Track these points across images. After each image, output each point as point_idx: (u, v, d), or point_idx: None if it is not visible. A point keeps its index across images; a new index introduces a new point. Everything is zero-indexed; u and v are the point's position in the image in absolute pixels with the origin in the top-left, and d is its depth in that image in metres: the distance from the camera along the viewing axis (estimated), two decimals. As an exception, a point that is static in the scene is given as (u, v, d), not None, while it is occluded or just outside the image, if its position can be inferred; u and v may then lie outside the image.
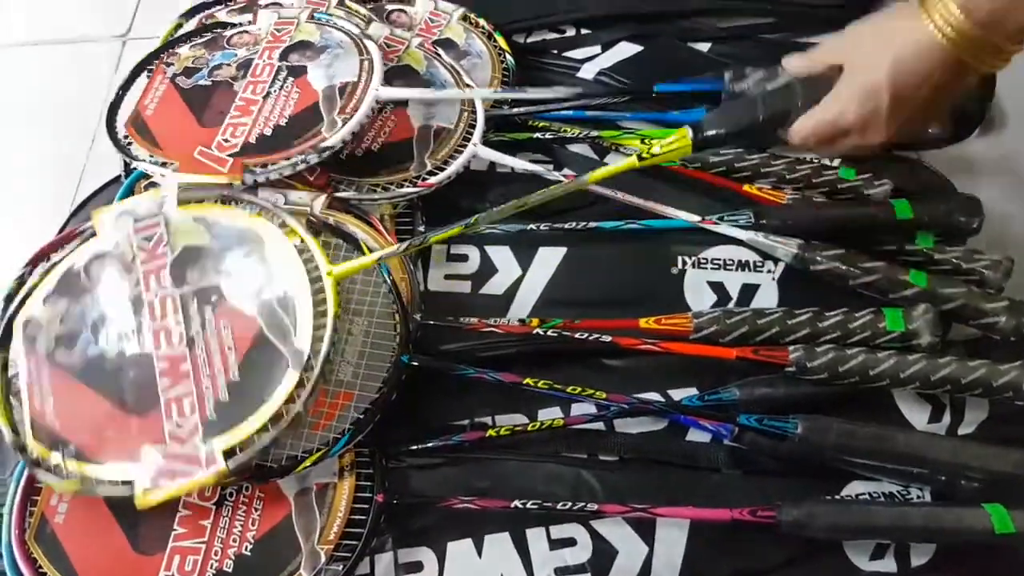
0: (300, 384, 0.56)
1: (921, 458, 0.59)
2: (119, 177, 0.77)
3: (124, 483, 0.54)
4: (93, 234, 0.65)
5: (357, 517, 0.57)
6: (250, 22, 0.83)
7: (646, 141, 0.79)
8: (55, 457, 0.55)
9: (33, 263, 0.66)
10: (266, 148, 0.71)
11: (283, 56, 0.78)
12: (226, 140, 0.71)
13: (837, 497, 0.61)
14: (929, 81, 0.55)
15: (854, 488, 0.62)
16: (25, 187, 0.87)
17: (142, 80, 0.79)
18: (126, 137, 0.73)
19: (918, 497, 0.61)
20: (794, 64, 0.64)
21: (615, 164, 0.64)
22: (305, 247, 0.62)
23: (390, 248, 0.64)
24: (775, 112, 0.62)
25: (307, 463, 0.56)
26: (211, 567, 0.55)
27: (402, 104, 0.79)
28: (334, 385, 0.61)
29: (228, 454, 0.55)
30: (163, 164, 0.70)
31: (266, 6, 0.88)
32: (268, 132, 0.72)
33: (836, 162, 0.78)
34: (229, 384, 0.57)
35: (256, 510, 0.57)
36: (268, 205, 0.66)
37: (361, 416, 0.59)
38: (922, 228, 0.71)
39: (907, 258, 0.71)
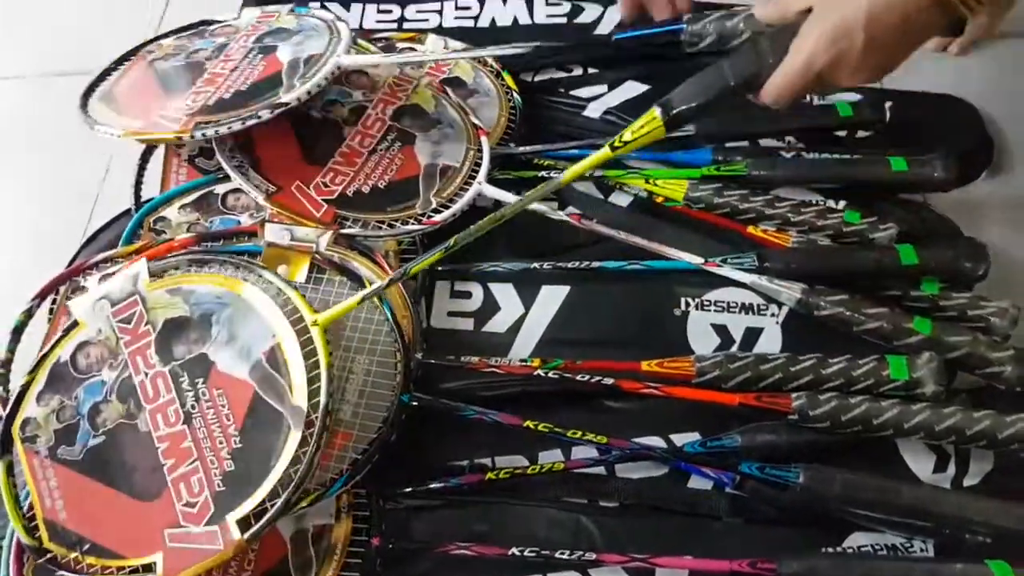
0: (304, 442, 0.55)
1: (925, 512, 0.59)
2: (129, 211, 0.78)
3: (145, 568, 0.54)
4: (76, 323, 0.64)
5: (353, 561, 0.57)
6: (235, 18, 0.87)
7: (650, 180, 0.80)
8: (74, 555, 0.55)
9: (41, 296, 0.68)
10: (220, 109, 0.72)
11: (258, 40, 0.81)
12: (188, 104, 0.74)
13: (839, 549, 0.60)
14: (906, 20, 0.54)
15: (856, 540, 0.61)
16: (38, 216, 0.89)
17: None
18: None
19: (921, 550, 0.60)
20: (767, 12, 0.62)
21: (589, 157, 0.63)
22: (287, 299, 0.62)
23: (371, 288, 0.63)
24: (746, 76, 0.60)
25: (304, 503, 0.56)
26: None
27: (409, 141, 0.80)
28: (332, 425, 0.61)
29: (243, 524, 0.54)
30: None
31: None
32: (227, 96, 0.74)
33: (841, 204, 0.79)
34: (233, 453, 0.57)
35: (252, 551, 0.57)
36: (241, 262, 0.66)
37: (359, 456, 0.59)
38: (927, 274, 0.71)
39: (912, 304, 0.71)
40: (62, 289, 0.69)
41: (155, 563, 0.53)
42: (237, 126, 0.70)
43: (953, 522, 0.58)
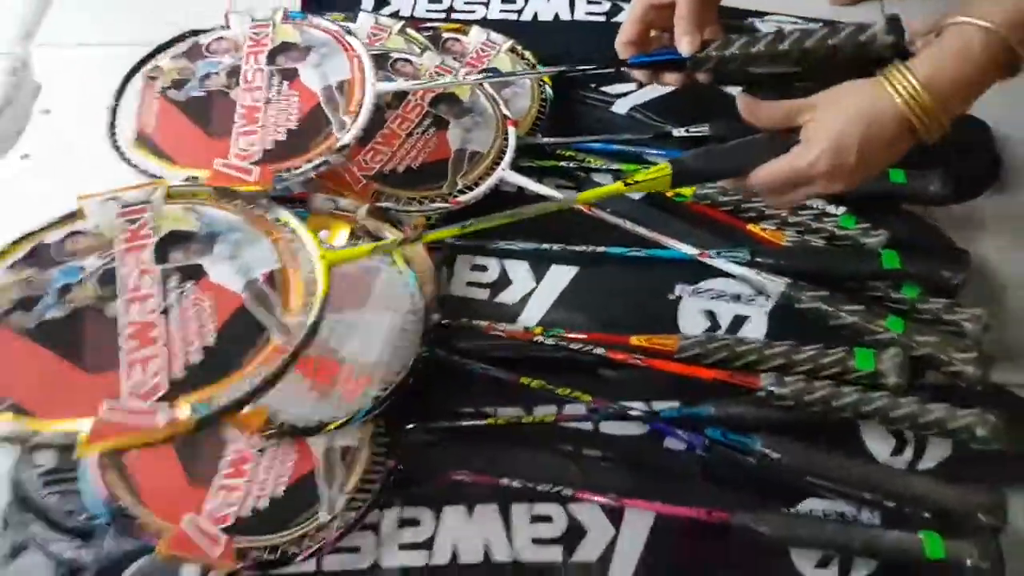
0: (280, 350, 0.61)
1: (869, 484, 0.68)
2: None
3: (68, 434, 0.56)
4: (74, 213, 0.69)
5: (371, 476, 0.70)
6: (223, 27, 0.89)
7: (663, 176, 0.90)
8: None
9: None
10: (284, 154, 0.79)
11: (270, 59, 0.86)
12: (245, 149, 0.79)
13: (792, 511, 0.71)
14: (889, 144, 0.64)
15: (810, 504, 0.71)
16: (114, 175, 1.03)
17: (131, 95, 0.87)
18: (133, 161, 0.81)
19: (868, 519, 0.70)
20: (765, 115, 0.69)
21: (605, 187, 0.73)
22: (297, 237, 0.67)
23: (384, 242, 0.72)
24: (752, 163, 0.69)
25: (332, 426, 0.69)
26: (249, 503, 0.68)
27: (443, 126, 0.92)
28: (360, 367, 0.73)
29: (197, 408, 0.58)
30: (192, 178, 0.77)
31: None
32: (283, 139, 0.80)
33: (841, 210, 0.87)
34: (203, 349, 0.61)
35: (289, 461, 0.70)
36: (262, 202, 0.71)
37: (381, 394, 0.72)
38: (908, 279, 0.80)
39: (892, 305, 0.80)
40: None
41: (80, 430, 0.55)
42: (311, 174, 0.78)
43: (894, 495, 0.68)
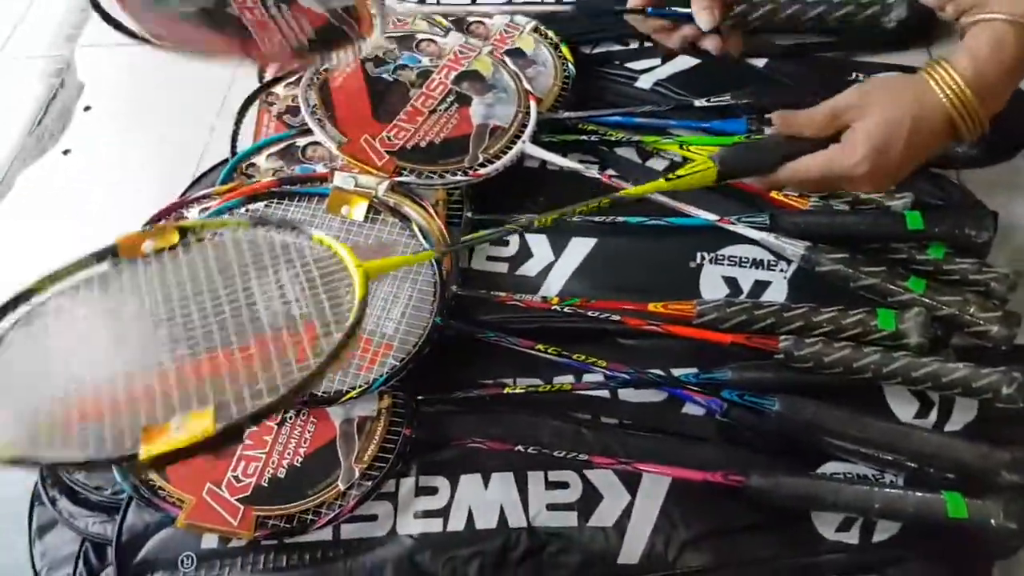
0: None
1: (891, 445, 0.68)
2: (227, 159, 0.95)
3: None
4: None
5: (388, 445, 0.72)
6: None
7: (684, 146, 0.90)
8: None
9: (152, 221, 0.86)
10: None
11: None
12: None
13: (812, 474, 0.70)
14: (932, 147, 0.63)
15: (831, 467, 0.70)
16: (152, 170, 1.07)
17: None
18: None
19: (891, 482, 0.69)
20: (801, 123, 0.67)
21: (649, 184, 0.72)
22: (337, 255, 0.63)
23: (424, 254, 0.74)
24: (795, 156, 0.68)
25: (350, 395, 0.71)
26: (268, 472, 0.71)
27: (466, 102, 0.93)
28: (378, 337, 0.75)
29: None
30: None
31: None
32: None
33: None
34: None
35: (309, 432, 0.72)
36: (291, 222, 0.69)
37: (398, 364, 0.74)
38: (933, 239, 0.78)
39: (918, 267, 0.78)
40: (169, 218, 0.87)
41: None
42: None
43: (916, 455, 0.67)
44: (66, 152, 1.11)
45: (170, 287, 0.62)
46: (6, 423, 0.55)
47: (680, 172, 0.69)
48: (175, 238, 0.64)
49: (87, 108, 1.16)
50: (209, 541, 0.72)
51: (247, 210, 0.84)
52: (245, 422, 0.53)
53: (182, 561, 0.71)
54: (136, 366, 0.58)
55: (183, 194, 0.96)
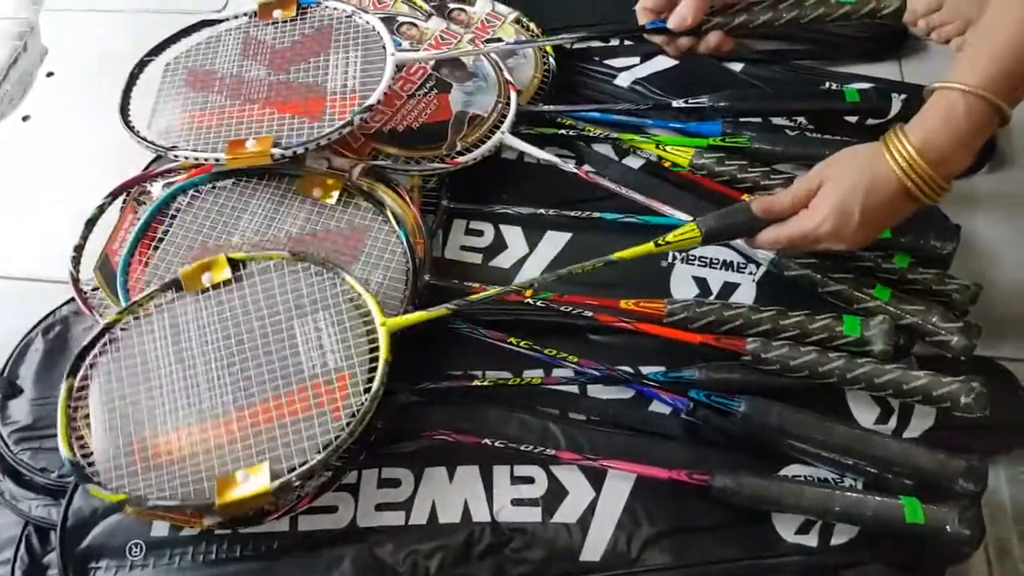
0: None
1: (851, 449, 0.68)
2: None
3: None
4: None
5: (354, 438, 0.70)
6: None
7: (660, 146, 0.90)
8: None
9: (113, 195, 0.82)
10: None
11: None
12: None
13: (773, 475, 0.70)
14: (888, 206, 0.66)
15: (793, 470, 0.71)
16: (115, 137, 1.03)
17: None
18: None
19: (851, 486, 0.70)
20: (777, 208, 0.71)
21: (636, 248, 0.73)
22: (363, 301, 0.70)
23: (440, 310, 0.71)
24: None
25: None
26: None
27: (445, 89, 0.91)
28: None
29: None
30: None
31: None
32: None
33: (836, 183, 0.87)
34: None
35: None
36: (326, 264, 0.72)
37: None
38: (899, 249, 0.79)
39: (883, 275, 0.79)
40: (132, 191, 0.83)
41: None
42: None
43: (875, 461, 0.68)
44: (25, 118, 1.07)
45: (228, 326, 0.70)
46: (110, 465, 0.65)
47: (668, 238, 0.72)
48: (227, 271, 0.72)
49: (50, 74, 1.11)
50: (159, 529, 0.69)
51: (214, 186, 0.81)
52: (292, 482, 0.63)
53: (130, 549, 0.69)
54: (206, 409, 0.67)
55: (147, 167, 0.93)
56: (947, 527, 0.64)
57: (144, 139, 0.82)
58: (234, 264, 0.73)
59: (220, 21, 0.91)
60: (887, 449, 0.67)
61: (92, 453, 0.66)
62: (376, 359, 0.67)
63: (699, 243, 0.72)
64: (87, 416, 0.68)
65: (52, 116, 1.07)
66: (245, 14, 0.90)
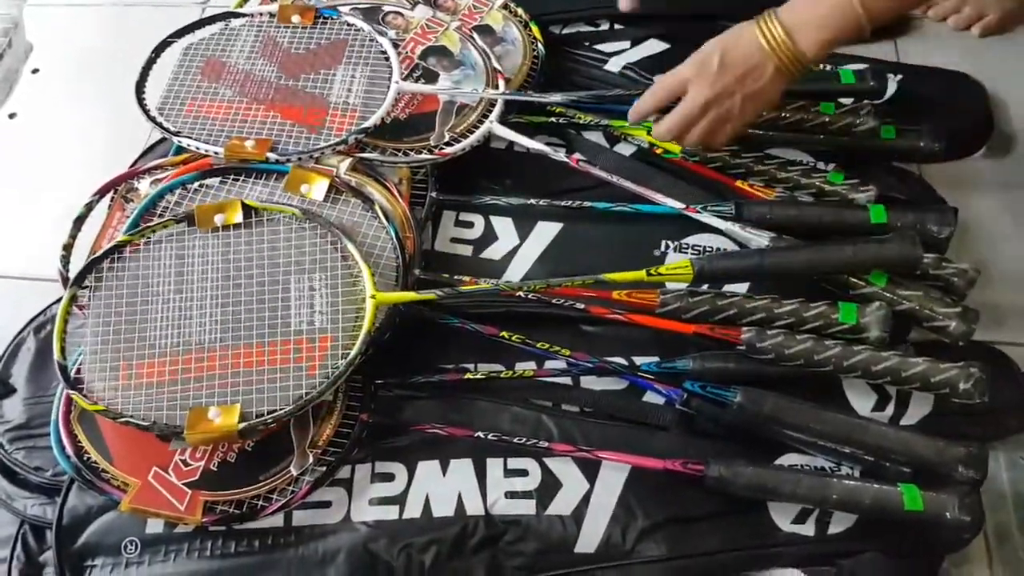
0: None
1: (848, 438, 0.67)
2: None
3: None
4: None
5: (344, 431, 0.69)
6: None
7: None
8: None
9: (101, 192, 0.81)
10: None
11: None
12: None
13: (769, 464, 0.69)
14: (749, 59, 0.71)
15: (789, 459, 0.70)
16: (102, 134, 1.02)
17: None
18: None
19: (848, 474, 0.69)
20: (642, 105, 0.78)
21: (629, 273, 0.72)
22: (359, 270, 0.71)
23: (429, 295, 0.71)
24: (766, 264, 0.73)
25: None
26: (217, 456, 0.68)
27: (432, 79, 0.89)
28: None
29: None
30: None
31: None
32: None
33: (830, 167, 0.86)
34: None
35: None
36: (332, 228, 0.74)
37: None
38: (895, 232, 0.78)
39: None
40: (119, 188, 0.82)
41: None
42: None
43: (873, 449, 0.66)
44: (12, 116, 1.05)
45: (229, 268, 0.73)
46: (95, 377, 0.68)
47: (661, 269, 0.72)
48: (239, 216, 0.74)
49: (35, 71, 1.09)
50: (154, 526, 0.69)
51: (202, 184, 0.80)
52: (258, 427, 0.64)
53: (125, 546, 0.68)
54: (193, 341, 0.69)
55: (134, 164, 0.91)
56: (946, 514, 0.63)
57: (154, 120, 0.83)
58: (247, 211, 0.74)
59: (244, 15, 0.92)
60: (885, 437, 0.66)
61: (81, 362, 0.69)
62: (360, 328, 0.67)
63: (691, 280, 0.72)
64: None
65: (39, 113, 1.05)
66: (268, 12, 0.91)
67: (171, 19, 1.09)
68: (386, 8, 0.95)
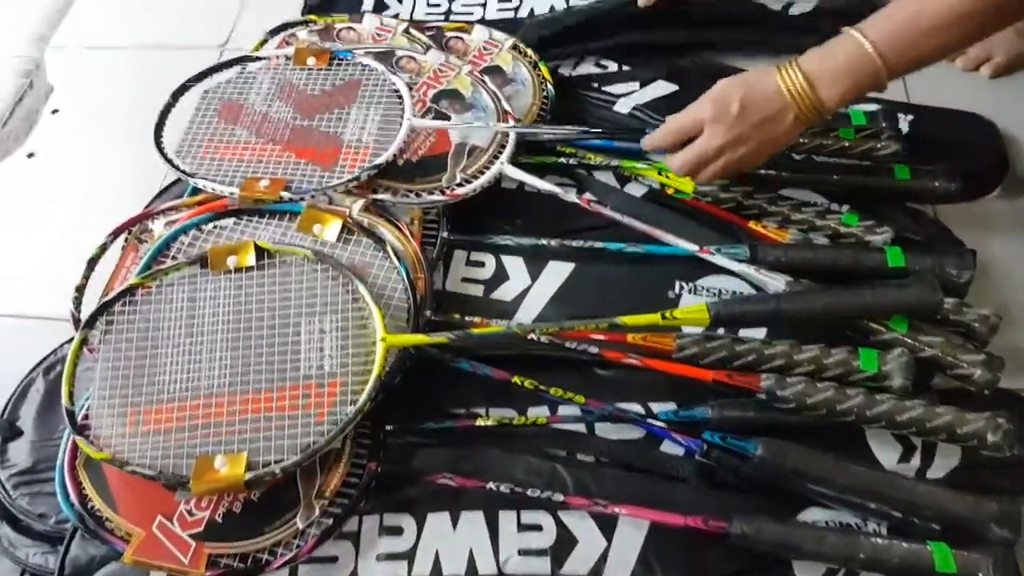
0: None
1: (875, 493, 0.61)
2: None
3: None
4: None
5: (352, 480, 0.64)
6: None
7: (663, 173, 0.83)
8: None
9: (115, 234, 0.76)
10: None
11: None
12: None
13: (794, 520, 0.63)
14: (768, 104, 0.68)
15: (812, 514, 0.64)
16: (118, 175, 0.98)
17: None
18: None
19: (875, 531, 0.63)
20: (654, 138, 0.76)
21: (643, 316, 0.67)
22: (369, 312, 0.67)
23: (441, 337, 0.66)
24: (783, 306, 0.68)
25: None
26: (223, 506, 0.62)
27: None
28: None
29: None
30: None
31: (340, 32, 0.97)
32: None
33: (844, 208, 0.80)
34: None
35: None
36: (343, 270, 0.70)
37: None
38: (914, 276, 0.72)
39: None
40: (133, 229, 0.78)
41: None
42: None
43: (903, 505, 0.61)
44: (31, 155, 1.01)
45: (241, 311, 0.69)
46: (102, 423, 0.64)
47: (676, 313, 0.67)
48: (251, 258, 0.71)
49: (55, 111, 1.06)
50: (158, 578, 0.63)
51: (215, 226, 0.75)
52: (265, 478, 0.60)
53: (127, 599, 0.62)
54: (201, 387, 0.65)
55: (148, 204, 0.87)
56: (980, 575, 0.57)
57: (171, 162, 0.80)
58: (259, 252, 0.71)
59: (261, 58, 0.90)
60: (913, 493, 0.61)
61: (89, 407, 0.65)
62: (370, 372, 0.63)
63: (707, 325, 0.67)
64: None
65: (57, 153, 1.02)
66: (284, 56, 0.89)
67: (189, 62, 1.06)
68: (399, 53, 0.91)
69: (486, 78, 0.90)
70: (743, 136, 0.69)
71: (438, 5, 1.09)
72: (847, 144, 0.80)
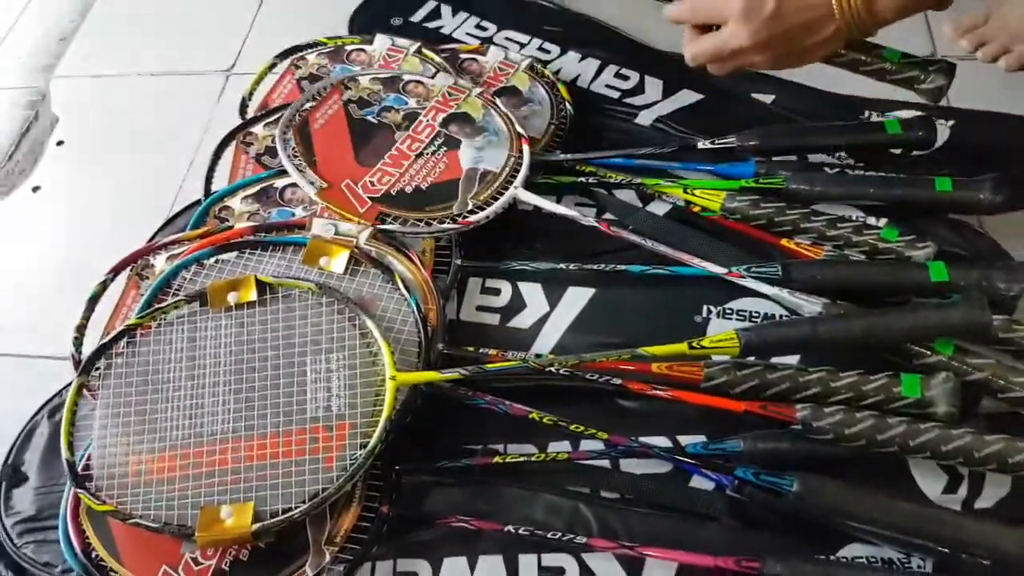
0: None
1: (920, 529, 0.60)
2: (200, 200, 0.89)
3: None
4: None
5: (363, 524, 0.64)
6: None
7: (688, 190, 0.84)
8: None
9: (115, 271, 0.79)
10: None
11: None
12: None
13: (832, 558, 0.63)
14: (813, 20, 0.65)
15: (852, 550, 0.63)
16: (126, 204, 1.01)
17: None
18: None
19: (919, 567, 0.62)
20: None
21: (669, 346, 0.67)
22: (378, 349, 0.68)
23: (453, 374, 0.67)
24: (816, 333, 0.67)
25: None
26: (230, 555, 0.64)
27: (454, 146, 0.87)
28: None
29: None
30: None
31: (350, 54, 1.00)
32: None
33: (882, 222, 0.80)
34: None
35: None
36: (350, 304, 0.71)
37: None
38: (958, 292, 0.72)
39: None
40: (135, 265, 0.80)
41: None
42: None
43: (951, 542, 0.60)
44: (35, 189, 1.05)
45: (243, 350, 0.70)
46: (104, 473, 0.65)
47: (705, 342, 0.67)
48: (253, 293, 0.72)
49: (60, 142, 1.09)
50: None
51: (217, 260, 0.77)
52: (272, 528, 0.61)
53: (132, 652, 0.64)
54: (205, 432, 0.66)
55: (151, 238, 0.90)
56: (1034, 616, 0.56)
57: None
58: (261, 287, 0.72)
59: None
60: (963, 530, 0.60)
61: (90, 455, 0.66)
62: (380, 413, 0.64)
63: (737, 353, 0.67)
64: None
65: (62, 186, 1.05)
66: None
67: (196, 88, 1.11)
68: (406, 78, 0.93)
69: (498, 100, 0.92)
70: (768, 42, 0.66)
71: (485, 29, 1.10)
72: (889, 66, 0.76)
